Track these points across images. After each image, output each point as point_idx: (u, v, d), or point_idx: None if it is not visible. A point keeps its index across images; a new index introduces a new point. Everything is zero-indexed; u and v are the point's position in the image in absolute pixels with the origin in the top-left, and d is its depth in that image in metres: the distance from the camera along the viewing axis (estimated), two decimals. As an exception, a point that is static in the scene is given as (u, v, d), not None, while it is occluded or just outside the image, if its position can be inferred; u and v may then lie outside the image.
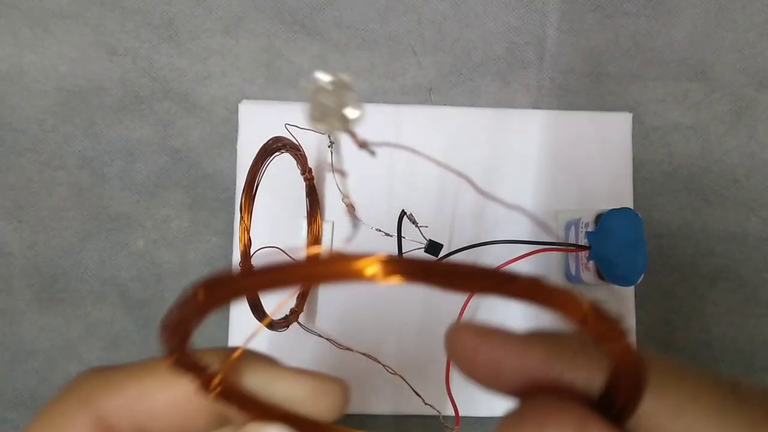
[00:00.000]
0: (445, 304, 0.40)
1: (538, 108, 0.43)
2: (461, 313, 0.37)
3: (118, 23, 0.44)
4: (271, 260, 0.11)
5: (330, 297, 0.41)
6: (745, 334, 0.42)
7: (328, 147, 0.39)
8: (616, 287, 0.40)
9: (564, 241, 0.40)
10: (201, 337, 0.42)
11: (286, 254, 0.40)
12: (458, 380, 0.40)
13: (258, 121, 0.42)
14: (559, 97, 0.43)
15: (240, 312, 0.41)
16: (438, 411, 0.37)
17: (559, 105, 0.43)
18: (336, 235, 0.41)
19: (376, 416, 0.41)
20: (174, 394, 0.16)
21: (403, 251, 0.34)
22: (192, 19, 0.44)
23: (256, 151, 0.34)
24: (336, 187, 0.39)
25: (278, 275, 0.11)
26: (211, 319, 0.42)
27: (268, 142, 0.34)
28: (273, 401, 0.16)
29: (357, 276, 0.11)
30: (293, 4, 0.44)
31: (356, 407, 0.40)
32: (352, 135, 0.16)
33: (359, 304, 0.41)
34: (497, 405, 0.40)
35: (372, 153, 0.16)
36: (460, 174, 0.42)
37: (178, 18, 0.44)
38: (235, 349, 0.16)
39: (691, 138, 0.43)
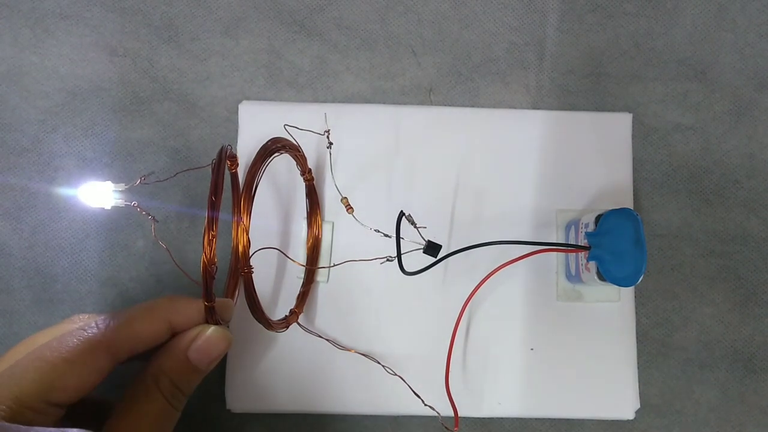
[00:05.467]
0: (445, 305, 0.40)
1: (537, 108, 0.43)
2: (461, 313, 0.37)
3: (119, 24, 0.44)
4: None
5: (330, 297, 0.41)
6: (745, 334, 0.42)
7: (327, 148, 0.39)
8: (616, 287, 0.40)
9: (564, 241, 0.40)
10: (201, 338, 0.42)
11: (286, 255, 0.40)
12: (458, 381, 0.40)
13: (258, 122, 0.42)
14: (558, 98, 0.43)
15: (239, 313, 0.41)
16: (438, 412, 0.37)
17: (559, 105, 0.43)
18: (336, 236, 0.41)
19: (376, 416, 0.41)
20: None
21: (402, 252, 0.34)
22: (192, 20, 0.44)
23: (256, 152, 0.34)
24: (335, 188, 0.39)
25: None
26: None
27: (267, 142, 0.34)
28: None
29: None
30: (293, 5, 0.44)
31: (356, 407, 0.40)
32: None
33: (359, 304, 0.41)
34: (497, 405, 0.40)
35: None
36: (459, 174, 0.42)
37: (178, 19, 0.44)
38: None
39: (691, 138, 0.43)
